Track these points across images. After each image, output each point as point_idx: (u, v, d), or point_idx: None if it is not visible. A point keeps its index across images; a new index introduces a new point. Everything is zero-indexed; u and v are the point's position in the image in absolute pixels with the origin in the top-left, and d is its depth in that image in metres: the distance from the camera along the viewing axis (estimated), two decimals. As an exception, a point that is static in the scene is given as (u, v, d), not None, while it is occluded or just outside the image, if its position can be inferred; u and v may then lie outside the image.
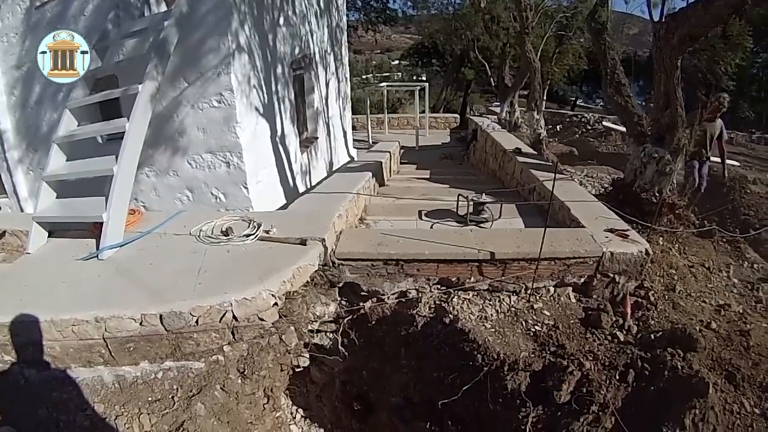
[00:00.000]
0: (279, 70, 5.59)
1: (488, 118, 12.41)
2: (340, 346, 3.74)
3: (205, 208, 4.86)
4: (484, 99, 28.13)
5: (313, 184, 6.83)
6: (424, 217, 5.37)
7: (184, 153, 4.79)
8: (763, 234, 5.33)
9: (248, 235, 3.60)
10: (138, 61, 3.86)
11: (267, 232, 3.68)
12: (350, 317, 3.85)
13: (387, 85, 15.84)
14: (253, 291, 2.89)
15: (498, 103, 15.33)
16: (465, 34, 15.23)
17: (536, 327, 3.54)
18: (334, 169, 8.26)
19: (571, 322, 3.64)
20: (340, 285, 3.77)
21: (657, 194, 5.27)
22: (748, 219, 5.86)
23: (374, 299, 3.89)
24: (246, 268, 3.14)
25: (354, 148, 10.43)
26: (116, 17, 4.13)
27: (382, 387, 3.96)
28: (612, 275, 3.85)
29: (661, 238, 4.79)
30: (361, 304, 3.85)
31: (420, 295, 3.83)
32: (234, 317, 2.83)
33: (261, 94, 5.10)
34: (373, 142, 12.28)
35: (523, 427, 3.11)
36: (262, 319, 3.00)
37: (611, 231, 4.07)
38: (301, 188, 6.33)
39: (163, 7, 4.59)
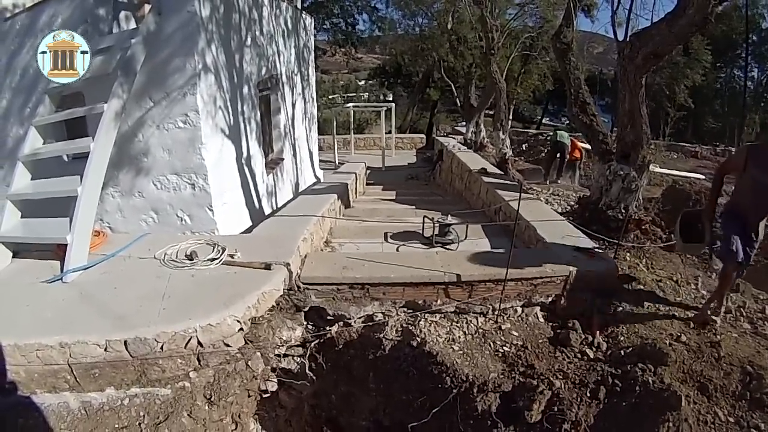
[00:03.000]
0: (245, 90, 5.69)
1: (454, 138, 12.82)
2: (308, 371, 3.75)
3: (170, 230, 4.86)
4: (450, 119, 28.99)
5: (278, 205, 6.88)
6: (389, 240, 5.47)
7: (149, 174, 4.81)
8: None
9: (213, 260, 3.62)
10: (105, 78, 3.90)
11: (231, 256, 3.71)
12: (317, 341, 3.87)
13: (354, 106, 16.18)
14: (218, 317, 2.91)
15: (464, 123, 15.86)
16: (431, 55, 15.74)
17: (504, 348, 3.62)
18: (300, 190, 8.34)
19: (540, 341, 3.74)
20: (306, 309, 3.80)
21: (623, 211, 5.51)
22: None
23: (341, 323, 3.93)
24: (210, 293, 3.17)
25: (320, 168, 10.56)
26: (85, 33, 4.17)
27: (351, 411, 3.97)
28: (579, 293, 3.99)
29: (628, 254, 4.99)
30: (328, 328, 3.88)
31: (387, 318, 3.89)
32: (199, 343, 2.84)
33: (227, 114, 5.18)
34: (339, 163, 12.50)
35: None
36: (227, 345, 3.01)
37: (578, 249, 4.23)
38: (267, 210, 6.37)
39: (133, 24, 4.66)
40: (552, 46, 6.36)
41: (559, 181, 10.45)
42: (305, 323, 3.90)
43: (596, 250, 4.23)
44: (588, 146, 11.34)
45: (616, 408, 3.08)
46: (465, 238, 5.27)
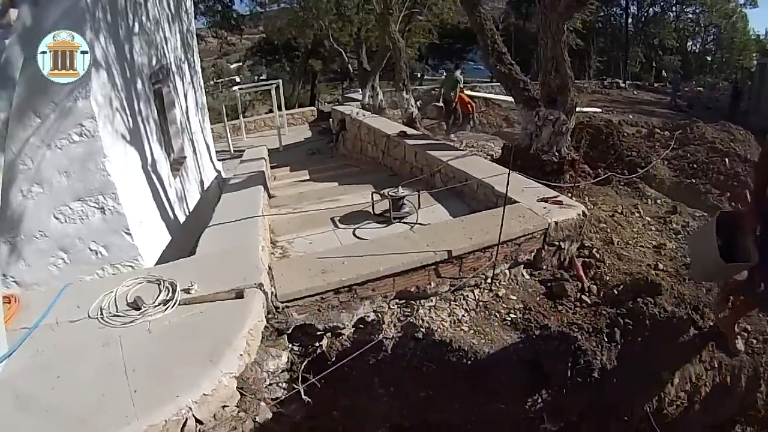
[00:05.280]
0: (139, 85, 4.82)
1: (349, 105, 12.64)
2: (303, 396, 3.38)
3: (85, 268, 4.00)
4: (330, 87, 29.21)
5: (190, 210, 6.11)
6: (340, 225, 5.14)
7: (48, 207, 3.85)
8: (651, 170, 6.24)
9: (166, 302, 2.99)
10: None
11: (187, 291, 3.11)
12: (306, 361, 3.50)
13: (239, 89, 15.19)
14: (210, 380, 2.36)
15: (354, 90, 15.59)
16: (318, 23, 15.27)
17: (510, 315, 3.63)
18: (205, 188, 7.52)
19: (538, 299, 3.82)
20: (290, 331, 3.38)
21: (557, 153, 5.82)
22: (632, 159, 6.83)
23: (330, 335, 3.59)
24: (185, 350, 2.58)
25: (218, 160, 9.74)
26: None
27: (359, 423, 3.71)
28: (557, 243, 4.13)
29: (569, 195, 5.26)
30: (317, 344, 3.52)
31: (381, 316, 3.64)
32: (197, 421, 2.29)
33: (125, 117, 4.32)
34: (235, 151, 11.67)
35: (532, 416, 3.17)
36: (225, 406, 2.52)
37: (545, 200, 4.33)
38: (181, 218, 5.61)
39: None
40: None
41: (453, 136, 10.77)
42: (290, 345, 3.48)
43: (561, 197, 4.36)
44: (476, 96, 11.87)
45: (632, 345, 3.24)
46: (419, 208, 5.13)
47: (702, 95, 22.26)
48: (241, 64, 32.91)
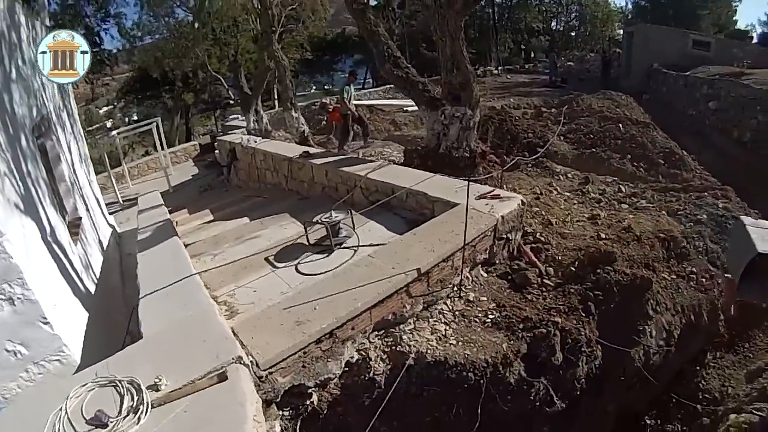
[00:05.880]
0: (23, 141, 4.06)
1: (235, 133, 12.19)
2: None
3: (5, 374, 3.25)
4: (203, 118, 28.72)
5: (98, 277, 5.33)
6: (278, 264, 4.86)
7: None
8: (550, 148, 6.82)
9: (135, 410, 2.55)
10: None
11: (156, 388, 2.69)
12: (299, 422, 3.26)
13: (118, 132, 13.88)
14: None
15: (234, 116, 14.89)
16: (194, 52, 14.48)
17: (489, 316, 3.76)
18: (105, 248, 6.62)
19: (506, 293, 3.98)
20: (278, 399, 3.10)
21: (467, 148, 6.09)
22: (530, 141, 7.42)
23: (317, 388, 3.37)
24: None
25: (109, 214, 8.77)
26: None
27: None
28: (505, 236, 4.34)
29: (487, 185, 5.51)
30: (308, 402, 3.28)
31: (365, 353, 3.50)
32: None
33: (14, 182, 3.59)
34: (124, 201, 10.67)
35: (537, 405, 3.28)
36: None
37: (483, 197, 4.49)
38: (92, 288, 4.85)
39: None
40: (348, 8, 6.29)
41: (346, 149, 10.83)
42: (280, 413, 3.20)
43: (497, 191, 4.56)
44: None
45: (607, 314, 3.54)
46: (353, 228, 5.03)
47: (573, 69, 24.89)
48: (111, 107, 30.62)
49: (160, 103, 25.64)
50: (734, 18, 33.41)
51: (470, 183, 4.99)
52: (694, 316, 3.71)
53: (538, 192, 5.50)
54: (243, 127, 13.26)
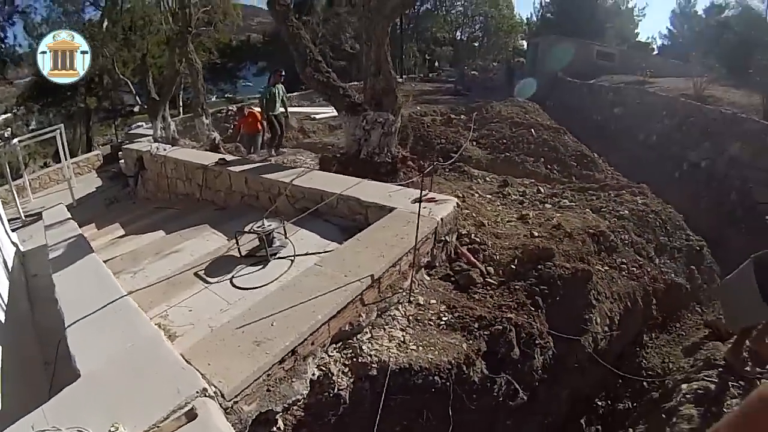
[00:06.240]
0: None
1: (141, 141, 11.82)
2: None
3: None
4: (105, 127, 27.44)
5: (6, 303, 4.44)
6: (210, 279, 4.49)
7: None
8: (464, 153, 7.15)
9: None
10: None
11: (115, 434, 2.30)
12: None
13: (19, 141, 12.07)
14: None
15: (138, 124, 14.93)
16: (102, 53, 13.14)
17: (443, 318, 3.84)
18: (11, 271, 5.55)
19: (453, 295, 4.13)
20: (247, 430, 2.87)
21: (389, 154, 6.17)
22: (443, 146, 7.70)
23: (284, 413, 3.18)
24: None
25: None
26: None
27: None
28: (444, 238, 4.49)
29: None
30: (273, 429, 3.07)
31: (327, 368, 3.37)
32: None
33: None
34: (26, 216, 9.68)
35: (501, 400, 3.42)
36: None
37: (418, 201, 4.56)
38: (1, 317, 4.02)
39: None
40: (270, 10, 6.00)
41: (255, 156, 10.45)
42: (249, 441, 2.96)
43: (430, 194, 4.66)
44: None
45: (554, 307, 3.81)
46: (286, 237, 4.84)
47: (477, 78, 26.37)
48: (9, 115, 26.87)
49: (61, 110, 24.10)
50: (636, 31, 36.43)
51: (404, 187, 5.12)
52: (630, 302, 4.18)
53: (460, 195, 5.75)
54: (149, 135, 12.66)
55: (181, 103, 18.90)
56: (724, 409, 2.84)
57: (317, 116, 15.57)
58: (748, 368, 3.13)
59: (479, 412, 3.48)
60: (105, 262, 5.46)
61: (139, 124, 17.04)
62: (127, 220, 8.35)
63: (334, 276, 3.66)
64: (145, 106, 13.99)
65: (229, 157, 7.37)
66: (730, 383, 3.01)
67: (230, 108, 17.69)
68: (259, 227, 4.77)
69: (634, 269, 4.44)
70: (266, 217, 4.98)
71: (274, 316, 3.25)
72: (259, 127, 11.41)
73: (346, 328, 3.56)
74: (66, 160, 12.22)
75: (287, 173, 6.17)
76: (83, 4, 15.21)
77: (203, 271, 4.62)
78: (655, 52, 33.16)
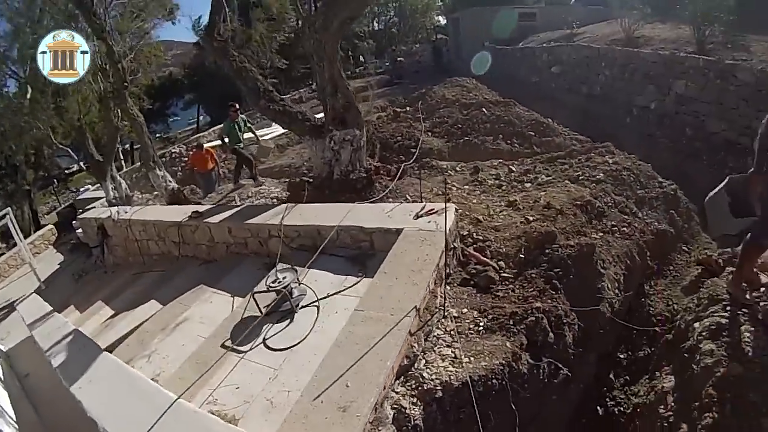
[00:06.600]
0: None
1: (95, 207, 11.44)
2: None
3: None
4: (45, 195, 27.18)
5: (12, 416, 4.30)
6: (240, 348, 4.43)
7: None
8: (423, 146, 7.36)
9: None
10: None
11: None
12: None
13: None
14: None
15: (86, 188, 14.59)
16: (35, 126, 13.11)
17: (480, 324, 4.18)
18: (4, 377, 5.30)
19: (478, 299, 4.41)
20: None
21: (362, 169, 6.32)
22: (400, 143, 7.92)
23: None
24: None
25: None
26: None
27: None
28: (453, 246, 4.76)
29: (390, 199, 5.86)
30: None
31: (398, 405, 3.67)
32: None
33: None
34: None
35: (546, 381, 3.87)
36: None
37: (419, 216, 4.82)
38: None
39: None
40: (208, 47, 5.79)
41: (214, 195, 10.24)
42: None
43: (430, 205, 4.91)
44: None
45: (568, 285, 4.22)
46: (299, 284, 4.96)
47: (404, 63, 26.37)
48: None
49: (0, 192, 22.97)
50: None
51: (403, 204, 5.32)
52: (629, 260, 4.70)
53: (438, 193, 6.02)
54: (100, 198, 12.45)
55: (122, 156, 18.50)
56: (740, 340, 3.42)
57: (263, 137, 15.18)
58: (748, 296, 3.71)
59: (531, 396, 3.91)
60: (110, 351, 5.34)
61: (87, 186, 16.56)
62: (108, 294, 7.97)
63: (381, 317, 3.87)
64: (86, 167, 13.49)
65: (202, 208, 7.23)
66: (738, 313, 3.60)
67: (173, 150, 17.15)
68: (273, 282, 4.80)
69: (624, 228, 4.98)
70: (280, 270, 5.02)
71: (345, 375, 3.45)
72: (212, 164, 11.09)
73: (405, 362, 3.83)
74: (22, 242, 11.59)
75: (270, 213, 6.16)
76: (5, 79, 13.94)
77: (227, 341, 4.52)
78: (572, 1, 33.02)
